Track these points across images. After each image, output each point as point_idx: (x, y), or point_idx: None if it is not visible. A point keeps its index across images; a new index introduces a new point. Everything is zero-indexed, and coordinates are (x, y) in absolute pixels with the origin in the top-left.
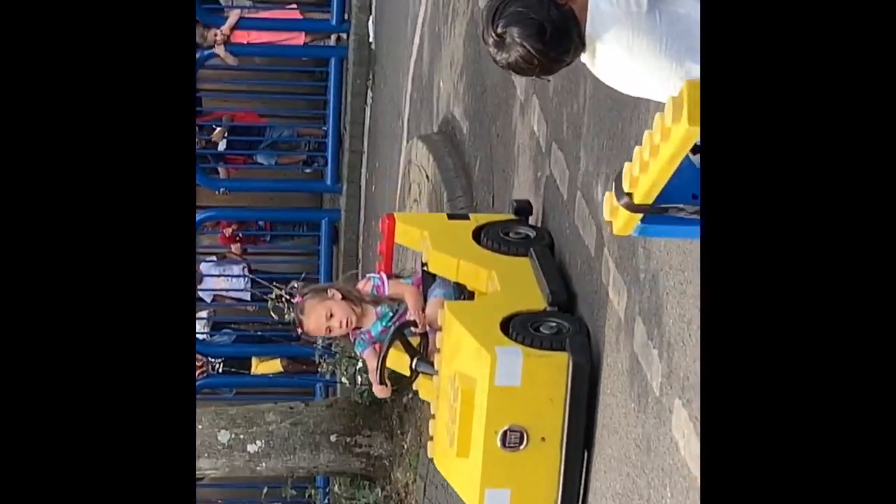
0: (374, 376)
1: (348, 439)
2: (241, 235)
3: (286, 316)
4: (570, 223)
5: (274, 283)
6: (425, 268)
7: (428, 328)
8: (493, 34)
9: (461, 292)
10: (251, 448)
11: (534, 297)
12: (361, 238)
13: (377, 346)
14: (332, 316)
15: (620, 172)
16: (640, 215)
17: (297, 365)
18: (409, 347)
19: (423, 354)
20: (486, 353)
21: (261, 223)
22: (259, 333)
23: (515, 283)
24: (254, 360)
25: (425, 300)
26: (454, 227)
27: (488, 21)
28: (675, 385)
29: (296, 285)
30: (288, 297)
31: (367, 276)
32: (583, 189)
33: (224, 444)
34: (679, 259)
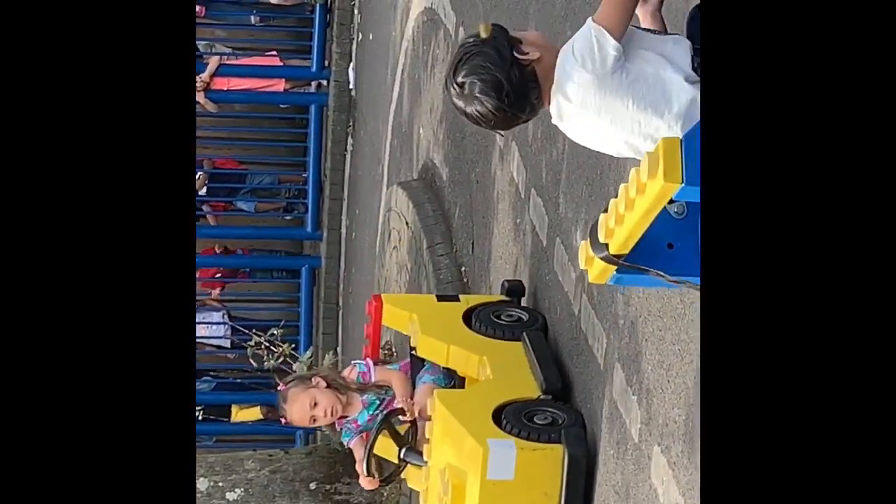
0: (360, 467)
1: (328, 487)
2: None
3: (266, 363)
4: (550, 269)
5: (254, 331)
6: (414, 352)
7: (417, 416)
8: (455, 83)
9: (451, 378)
10: (230, 496)
11: (527, 385)
12: (342, 285)
13: (364, 435)
14: (316, 405)
15: (596, 223)
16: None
17: (277, 412)
18: (396, 436)
19: (411, 444)
20: (478, 446)
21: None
22: (239, 381)
23: (508, 370)
24: (233, 408)
25: (414, 386)
26: (444, 310)
27: (451, 68)
28: (654, 432)
29: (275, 332)
30: (268, 345)
31: (353, 362)
32: (562, 235)
33: (203, 491)
34: (658, 305)
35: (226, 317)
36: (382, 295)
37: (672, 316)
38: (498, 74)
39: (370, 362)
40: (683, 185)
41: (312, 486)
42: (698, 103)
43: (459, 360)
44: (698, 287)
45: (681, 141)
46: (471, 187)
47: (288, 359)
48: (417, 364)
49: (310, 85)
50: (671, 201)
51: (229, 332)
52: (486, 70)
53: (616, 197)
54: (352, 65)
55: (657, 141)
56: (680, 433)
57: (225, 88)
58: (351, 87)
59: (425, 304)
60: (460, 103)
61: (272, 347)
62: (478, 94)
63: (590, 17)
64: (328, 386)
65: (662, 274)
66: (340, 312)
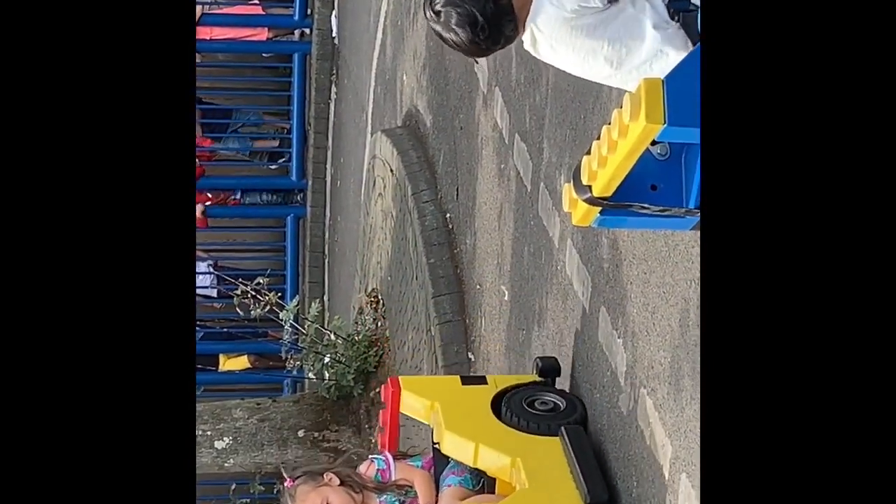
0: None
1: (316, 434)
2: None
3: (252, 312)
4: (535, 214)
5: (240, 280)
6: (437, 447)
7: None
8: (432, 9)
9: (480, 478)
10: (219, 445)
11: (568, 496)
12: (328, 234)
13: None
14: None
15: (579, 165)
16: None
17: (265, 361)
18: None
19: None
20: None
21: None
22: (226, 330)
23: (545, 476)
24: (221, 357)
25: (437, 487)
26: (469, 396)
27: None
28: (639, 374)
29: (261, 281)
30: (254, 294)
31: (370, 457)
32: (546, 180)
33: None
34: (643, 248)
35: (211, 267)
36: (400, 379)
37: (657, 258)
38: (472, 8)
39: (390, 458)
40: (666, 125)
41: (300, 433)
42: (674, 40)
43: (490, 461)
44: (684, 212)
45: (663, 81)
46: (455, 133)
47: (275, 308)
48: (441, 460)
49: (293, 33)
50: (654, 142)
51: (215, 282)
52: (462, 2)
53: (599, 139)
54: (334, 12)
55: (633, 76)
56: (665, 375)
57: (208, 38)
58: (334, 35)
59: (448, 389)
60: (437, 28)
61: (258, 296)
62: (453, 26)
63: None
64: (342, 483)
65: (647, 206)
66: (326, 261)
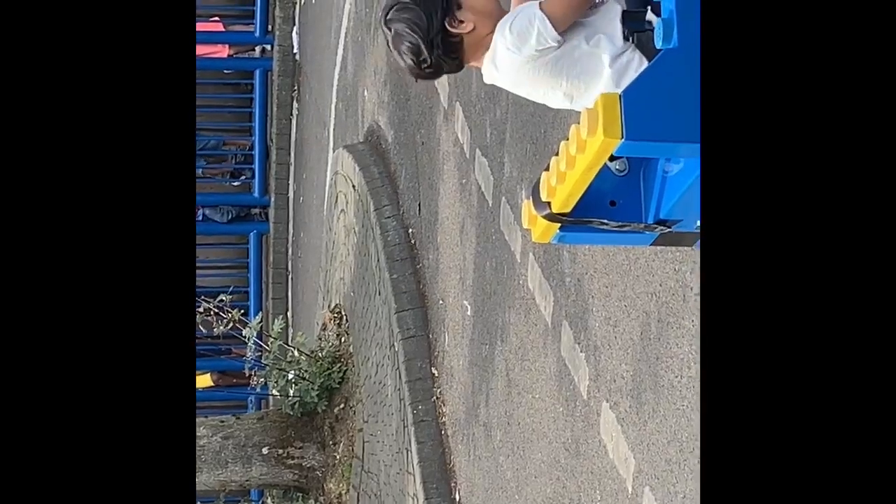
0: None
1: (280, 451)
2: None
3: (215, 329)
4: (496, 229)
5: (203, 297)
6: None
7: None
8: (385, 24)
9: None
10: None
11: None
12: (290, 250)
13: None
14: None
15: (538, 182)
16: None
17: (228, 378)
18: None
19: None
20: None
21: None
22: None
23: None
24: None
25: None
26: None
27: (386, 9)
28: (602, 388)
29: (224, 298)
30: (217, 311)
31: None
32: (507, 195)
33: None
34: (604, 262)
35: None
36: None
37: (618, 272)
38: (419, 40)
39: None
40: (624, 140)
41: (265, 451)
42: (629, 69)
43: None
44: (643, 227)
45: (620, 96)
46: (416, 149)
47: (238, 325)
48: None
49: (254, 50)
50: (612, 158)
51: None
52: (411, 30)
53: (557, 154)
54: (295, 29)
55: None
56: (627, 389)
57: None
58: (295, 51)
59: None
60: (388, 41)
61: (221, 314)
62: (399, 48)
63: (537, 2)
64: None
65: (605, 221)
66: (290, 277)
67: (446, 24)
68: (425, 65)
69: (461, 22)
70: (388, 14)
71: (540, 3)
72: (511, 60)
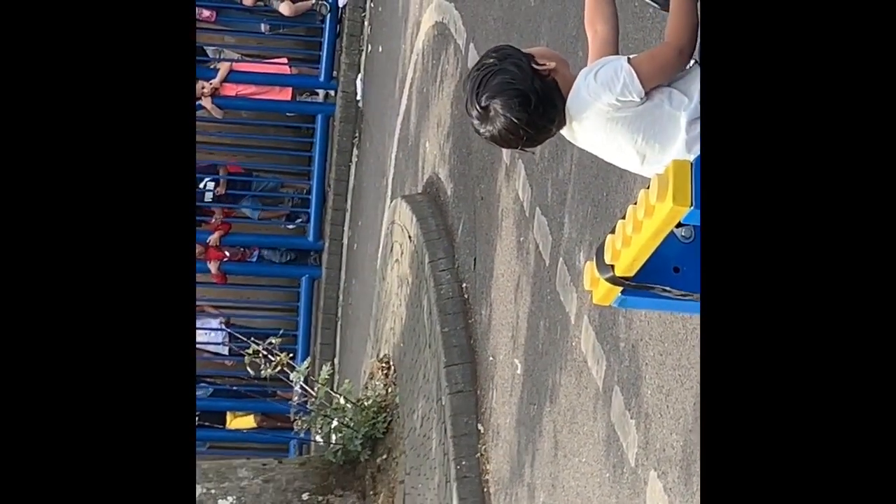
0: None
1: (320, 498)
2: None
3: (263, 372)
4: (552, 289)
5: (252, 339)
6: None
7: None
8: (478, 107)
9: None
10: (222, 503)
11: None
12: (341, 297)
13: None
14: None
15: (602, 243)
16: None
17: (272, 421)
18: None
19: None
20: None
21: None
22: (235, 388)
23: None
24: (228, 415)
25: None
26: None
27: (472, 93)
28: (651, 456)
29: (273, 341)
30: (265, 353)
31: None
32: (565, 255)
33: (195, 497)
34: (659, 329)
35: (223, 324)
36: None
37: (673, 341)
38: (522, 87)
39: None
40: (692, 208)
41: (305, 496)
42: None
43: None
44: None
45: (691, 164)
46: (475, 203)
47: (285, 368)
48: None
49: (317, 94)
50: (679, 224)
51: (227, 339)
52: (510, 86)
53: (623, 218)
54: (360, 76)
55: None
56: (677, 459)
57: (234, 94)
58: (358, 98)
59: None
60: (487, 126)
61: (270, 356)
62: (504, 111)
63: (625, 56)
64: None
65: (668, 289)
66: (339, 323)
67: (534, 66)
68: (538, 111)
69: (543, 64)
70: (477, 92)
71: (629, 57)
72: (591, 108)
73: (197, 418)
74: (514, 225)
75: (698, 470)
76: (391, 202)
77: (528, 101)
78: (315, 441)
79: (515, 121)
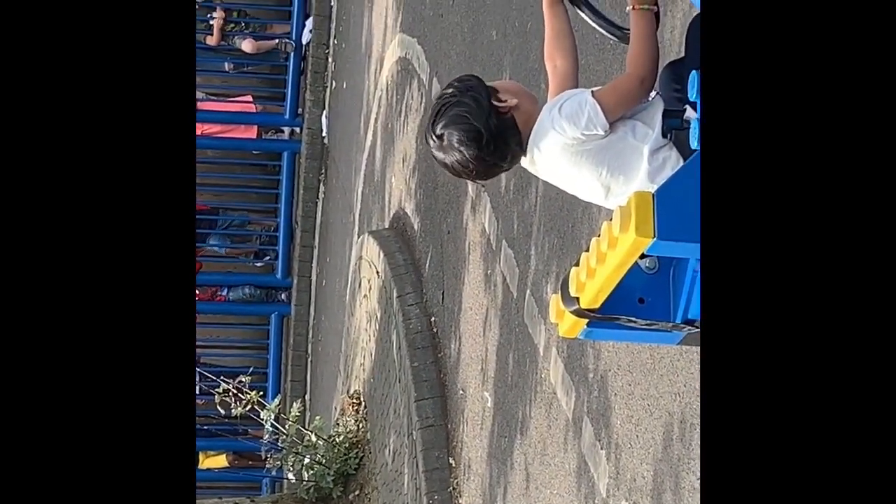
0: None
1: None
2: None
3: (233, 410)
4: (520, 322)
5: (222, 377)
6: None
7: None
8: (434, 134)
9: None
10: None
11: None
12: (311, 333)
13: None
14: None
15: (567, 276)
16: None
17: (244, 460)
18: None
19: None
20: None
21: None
22: (206, 427)
23: None
24: (200, 455)
25: None
26: None
27: (430, 120)
28: (622, 486)
29: (243, 380)
30: (236, 392)
31: None
32: (532, 287)
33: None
34: (628, 360)
35: None
36: None
37: (641, 370)
38: (476, 123)
39: None
40: (655, 239)
41: None
42: (666, 167)
43: None
44: (671, 327)
45: (653, 195)
46: (442, 237)
47: (256, 406)
48: None
49: (283, 132)
50: (643, 256)
51: (197, 379)
52: (465, 120)
53: (587, 250)
54: (325, 112)
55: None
56: (648, 489)
57: (199, 134)
58: (324, 134)
59: None
60: (441, 155)
61: (240, 395)
62: (456, 145)
63: (589, 90)
64: None
65: (633, 319)
66: (309, 360)
67: (493, 102)
68: (489, 149)
69: (504, 101)
70: (434, 120)
71: (592, 91)
72: (555, 142)
73: None
74: (482, 258)
75: (668, 499)
76: (358, 238)
77: (479, 136)
78: (287, 479)
79: (467, 156)
